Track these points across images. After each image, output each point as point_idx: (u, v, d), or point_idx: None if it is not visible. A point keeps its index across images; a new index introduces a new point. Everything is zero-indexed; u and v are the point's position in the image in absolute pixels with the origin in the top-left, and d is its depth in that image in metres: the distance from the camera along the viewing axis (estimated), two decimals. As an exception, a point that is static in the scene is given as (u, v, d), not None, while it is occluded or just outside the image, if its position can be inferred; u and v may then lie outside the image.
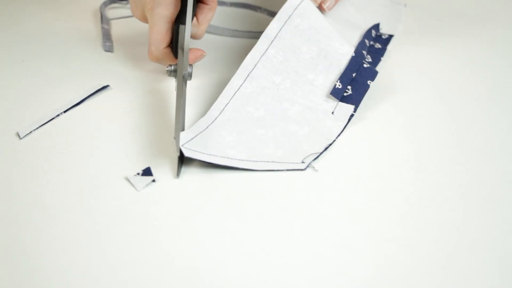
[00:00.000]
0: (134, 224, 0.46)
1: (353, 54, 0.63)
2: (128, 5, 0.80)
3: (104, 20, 0.75)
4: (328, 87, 0.61)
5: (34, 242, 0.44)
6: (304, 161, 0.53)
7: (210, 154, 0.52)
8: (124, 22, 0.76)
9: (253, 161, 0.53)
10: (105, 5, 0.79)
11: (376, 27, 0.72)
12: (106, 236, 0.45)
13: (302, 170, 0.52)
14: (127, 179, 0.50)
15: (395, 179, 0.51)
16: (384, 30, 0.73)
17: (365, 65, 0.62)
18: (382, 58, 0.68)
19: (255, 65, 0.61)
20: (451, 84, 0.66)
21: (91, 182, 0.50)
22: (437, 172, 0.52)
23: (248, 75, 0.60)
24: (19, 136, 0.55)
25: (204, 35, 0.67)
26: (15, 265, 0.42)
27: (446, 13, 0.83)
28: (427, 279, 0.42)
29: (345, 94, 0.60)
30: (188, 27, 0.59)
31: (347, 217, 0.47)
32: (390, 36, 0.72)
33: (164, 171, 0.51)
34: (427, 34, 0.77)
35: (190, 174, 0.51)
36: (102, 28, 0.74)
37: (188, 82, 0.64)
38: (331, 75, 0.62)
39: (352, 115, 0.59)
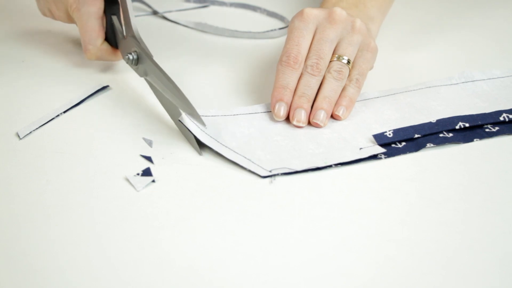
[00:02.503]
0: (134, 224, 0.46)
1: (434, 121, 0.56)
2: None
3: (104, 20, 0.75)
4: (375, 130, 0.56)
5: (34, 242, 0.44)
6: (272, 170, 0.51)
7: (208, 135, 0.53)
8: (124, 22, 0.76)
9: (230, 149, 0.53)
10: (105, 5, 0.79)
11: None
12: (106, 236, 0.45)
13: (260, 176, 0.51)
14: (127, 179, 0.50)
15: (395, 179, 0.51)
16: None
17: (448, 135, 0.56)
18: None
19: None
20: (451, 84, 0.66)
21: (91, 182, 0.50)
22: (437, 172, 0.52)
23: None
24: (19, 136, 0.55)
25: (204, 35, 0.67)
26: (15, 265, 0.42)
27: (446, 12, 0.83)
28: (427, 279, 0.42)
29: (393, 145, 0.54)
30: (130, 11, 0.59)
31: (347, 217, 0.47)
32: None
33: (164, 170, 0.51)
34: (426, 34, 0.77)
35: (190, 174, 0.51)
36: (102, 28, 0.74)
37: (186, 82, 0.64)
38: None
39: (376, 156, 0.53)
